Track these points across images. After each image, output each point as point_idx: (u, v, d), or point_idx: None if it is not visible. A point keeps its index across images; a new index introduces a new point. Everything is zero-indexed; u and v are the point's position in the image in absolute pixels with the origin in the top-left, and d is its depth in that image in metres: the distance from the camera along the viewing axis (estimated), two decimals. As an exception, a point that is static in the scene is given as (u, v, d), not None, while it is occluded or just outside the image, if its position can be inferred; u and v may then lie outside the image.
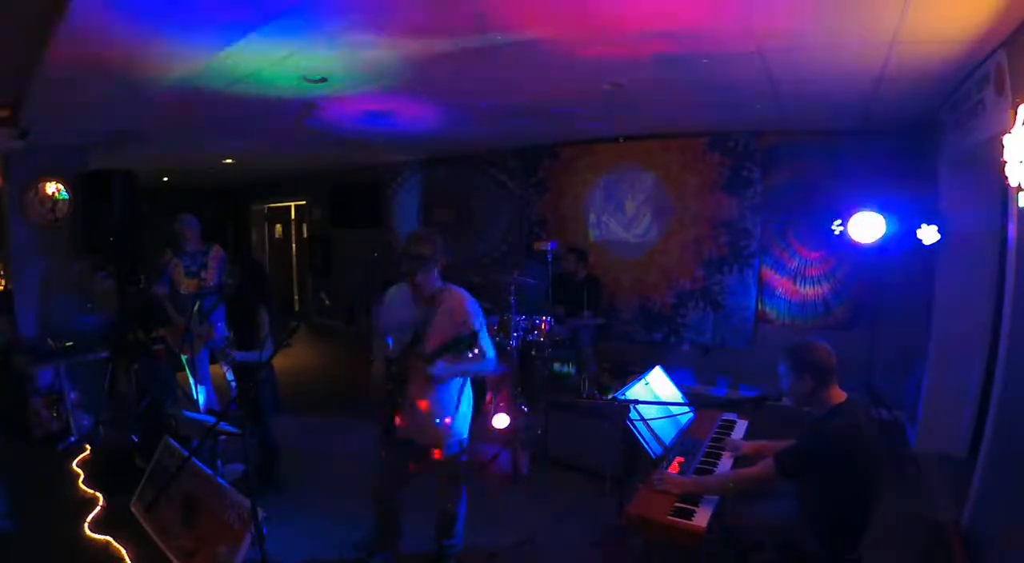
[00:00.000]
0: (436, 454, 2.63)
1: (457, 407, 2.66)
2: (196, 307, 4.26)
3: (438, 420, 2.60)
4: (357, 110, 4.50)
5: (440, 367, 2.40)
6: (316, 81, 3.59)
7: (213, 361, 4.65)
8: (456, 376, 2.57)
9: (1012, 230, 2.73)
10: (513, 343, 4.66)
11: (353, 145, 6.21)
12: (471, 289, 2.72)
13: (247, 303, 3.57)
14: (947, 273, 3.94)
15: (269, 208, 11.16)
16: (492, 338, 5.03)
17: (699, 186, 5.69)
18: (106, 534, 3.07)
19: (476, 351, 2.48)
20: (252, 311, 3.54)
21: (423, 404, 2.56)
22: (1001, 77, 2.61)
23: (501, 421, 4.44)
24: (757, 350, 5.47)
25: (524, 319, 4.95)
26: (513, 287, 4.64)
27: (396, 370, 2.54)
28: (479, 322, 2.53)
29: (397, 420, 2.58)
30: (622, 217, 6.21)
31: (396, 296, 2.70)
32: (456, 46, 3.00)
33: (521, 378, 4.91)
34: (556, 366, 5.68)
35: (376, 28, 2.76)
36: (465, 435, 2.71)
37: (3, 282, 5.06)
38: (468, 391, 2.74)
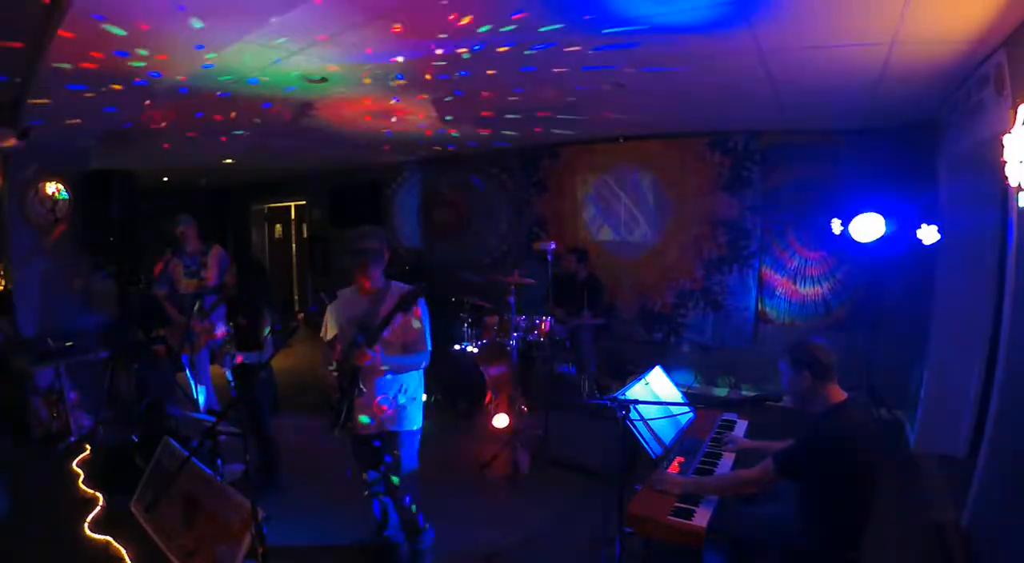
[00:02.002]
0: (395, 444, 2.67)
1: (406, 395, 2.69)
2: (196, 307, 4.27)
3: (389, 408, 2.64)
4: (357, 110, 4.50)
5: (382, 355, 2.50)
6: (316, 81, 3.60)
7: (213, 361, 4.66)
8: (397, 366, 2.61)
9: (1012, 230, 2.73)
10: (513, 343, 4.66)
11: (353, 145, 6.21)
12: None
13: (248, 303, 3.57)
14: (947, 273, 3.93)
15: (269, 208, 11.15)
16: (492, 338, 5.12)
17: (699, 186, 5.69)
18: (106, 534, 3.07)
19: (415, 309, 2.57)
20: (253, 311, 3.54)
21: (374, 397, 2.61)
22: (1001, 77, 2.61)
23: (501, 421, 4.44)
24: (757, 350, 5.47)
25: (524, 319, 4.96)
26: (513, 287, 4.65)
27: (346, 367, 2.57)
28: (424, 317, 2.65)
29: (354, 417, 2.64)
30: (622, 217, 6.21)
31: (344, 297, 2.77)
32: (457, 46, 3.00)
33: (521, 378, 4.91)
34: (556, 366, 5.69)
35: (376, 29, 2.76)
36: (418, 428, 2.74)
37: (3, 282, 5.06)
38: (419, 381, 2.78)
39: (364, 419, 2.65)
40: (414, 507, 2.77)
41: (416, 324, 2.63)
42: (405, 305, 2.48)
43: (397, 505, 2.77)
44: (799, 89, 3.78)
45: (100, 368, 4.81)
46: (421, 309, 2.64)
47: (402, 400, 2.68)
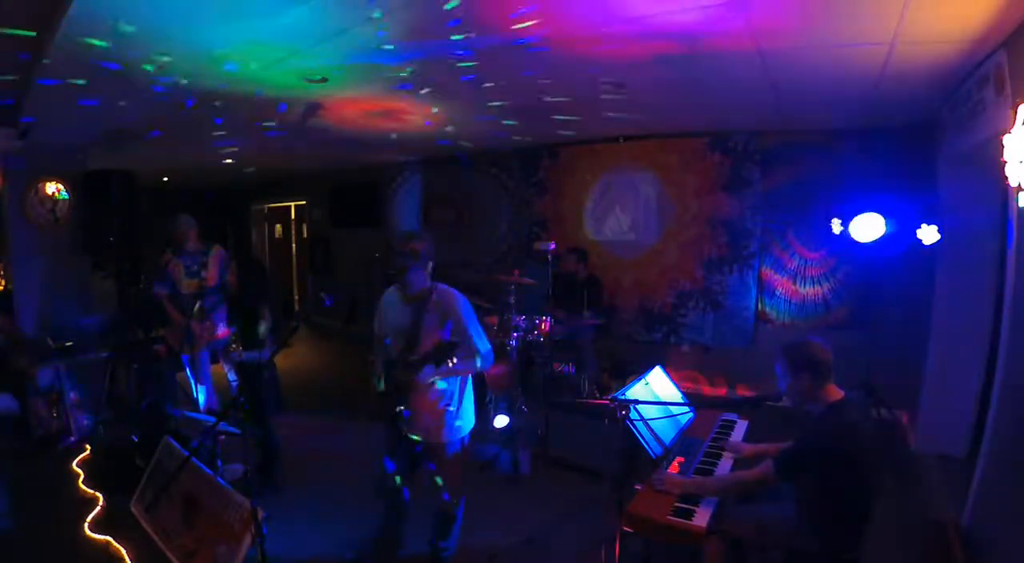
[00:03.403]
0: (440, 454, 2.63)
1: (460, 404, 2.66)
2: (197, 307, 4.26)
3: (440, 417, 2.60)
4: (357, 110, 4.51)
5: (428, 372, 2.43)
6: (316, 81, 3.60)
7: (214, 361, 4.65)
8: (450, 374, 2.53)
9: (1012, 230, 2.73)
10: (513, 343, 4.66)
11: (353, 145, 6.21)
12: (471, 289, 2.72)
13: (249, 303, 3.57)
14: (947, 273, 3.93)
15: (269, 208, 11.16)
16: (490, 337, 5.11)
17: (699, 186, 5.69)
18: (106, 534, 3.07)
19: (455, 359, 2.45)
20: (253, 310, 3.54)
21: (424, 403, 2.56)
22: (1001, 77, 2.61)
23: (501, 421, 4.44)
24: (757, 350, 5.46)
25: (524, 319, 4.95)
26: (513, 287, 4.64)
27: (396, 372, 2.54)
28: (470, 321, 2.55)
29: (402, 417, 2.59)
30: (622, 217, 6.21)
31: (389, 299, 2.70)
32: (456, 46, 3.00)
33: (521, 378, 4.90)
34: (556, 366, 5.68)
35: (376, 29, 2.76)
36: (467, 433, 2.70)
37: (3, 282, 5.06)
38: (469, 388, 2.73)
39: (413, 424, 2.60)
40: (459, 500, 2.74)
41: (463, 328, 2.51)
42: (436, 360, 2.36)
43: (449, 492, 2.72)
44: (799, 89, 3.78)
45: (100, 368, 4.81)
46: (463, 312, 2.54)
47: (452, 407, 2.61)
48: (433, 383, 2.54)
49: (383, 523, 2.89)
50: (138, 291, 5.43)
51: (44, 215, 4.99)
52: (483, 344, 2.57)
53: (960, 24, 2.53)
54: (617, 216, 6.23)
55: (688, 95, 4.12)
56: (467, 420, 2.70)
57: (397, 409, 2.55)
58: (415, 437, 2.63)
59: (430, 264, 2.58)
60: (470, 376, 2.71)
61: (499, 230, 7.16)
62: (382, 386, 2.60)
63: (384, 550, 2.93)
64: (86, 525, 3.17)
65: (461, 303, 2.57)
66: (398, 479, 2.76)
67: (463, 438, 2.69)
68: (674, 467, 2.53)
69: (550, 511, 3.44)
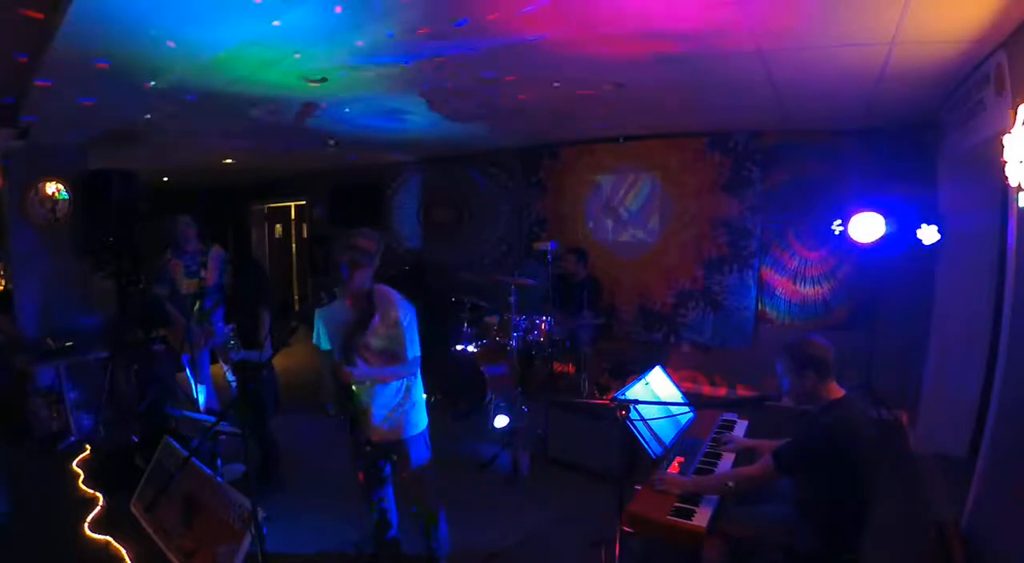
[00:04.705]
0: (404, 452, 2.65)
1: (411, 398, 2.65)
2: (196, 307, 4.26)
3: (394, 414, 2.61)
4: (357, 110, 4.50)
5: (364, 369, 2.45)
6: (316, 81, 3.60)
7: (214, 361, 4.65)
8: (380, 377, 2.56)
9: (1012, 230, 2.73)
10: (513, 343, 4.66)
11: (353, 145, 6.21)
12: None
13: (248, 303, 3.57)
14: (947, 273, 3.93)
15: (269, 208, 11.15)
16: (492, 338, 5.12)
17: (699, 186, 5.69)
18: (106, 534, 3.07)
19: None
20: (253, 311, 3.54)
21: (376, 403, 2.58)
22: (1001, 77, 2.61)
23: (501, 421, 4.44)
24: (757, 350, 5.47)
25: (524, 319, 4.96)
26: (513, 287, 4.64)
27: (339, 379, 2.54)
28: (408, 324, 2.54)
29: (358, 423, 2.62)
30: (622, 217, 6.21)
31: (335, 305, 2.69)
32: (456, 47, 3.00)
33: (521, 378, 4.91)
34: (556, 366, 5.69)
35: (376, 29, 2.76)
36: (423, 429, 2.70)
37: (3, 282, 5.06)
38: (418, 383, 2.71)
39: (368, 426, 2.62)
40: (433, 504, 2.75)
41: (400, 331, 2.52)
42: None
43: (415, 501, 2.73)
44: (799, 89, 3.78)
45: (100, 368, 4.81)
46: (401, 312, 2.53)
47: (404, 406, 2.63)
48: (374, 384, 2.55)
49: (375, 525, 2.90)
50: (138, 291, 5.42)
51: (44, 215, 4.99)
52: (413, 351, 2.57)
53: (960, 24, 2.53)
54: (617, 216, 6.23)
55: (688, 95, 4.12)
56: (420, 420, 2.70)
57: (328, 408, 2.60)
58: (372, 437, 2.63)
59: (369, 268, 2.55)
60: (419, 372, 2.70)
61: (499, 230, 7.16)
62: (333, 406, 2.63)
63: (382, 550, 2.93)
64: (86, 525, 3.17)
65: (402, 303, 2.57)
66: (374, 479, 2.78)
67: (423, 435, 2.69)
68: (674, 467, 2.54)
69: (550, 511, 3.44)
